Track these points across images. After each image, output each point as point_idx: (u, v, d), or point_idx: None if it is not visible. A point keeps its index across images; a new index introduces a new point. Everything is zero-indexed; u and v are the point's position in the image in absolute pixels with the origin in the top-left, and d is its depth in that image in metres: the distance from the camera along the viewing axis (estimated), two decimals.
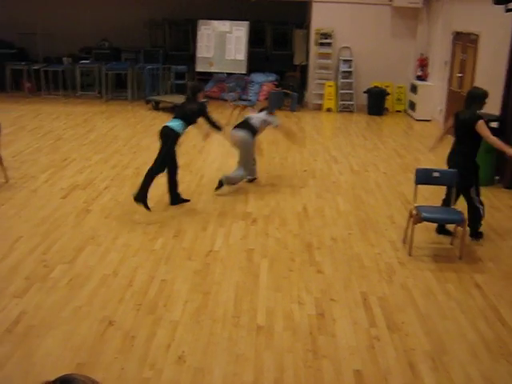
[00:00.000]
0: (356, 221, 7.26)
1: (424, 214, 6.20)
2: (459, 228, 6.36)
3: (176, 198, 7.62)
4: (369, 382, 4.14)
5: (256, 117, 8.46)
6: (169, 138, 7.23)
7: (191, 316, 4.93)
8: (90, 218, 7.07)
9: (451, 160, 6.80)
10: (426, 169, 6.75)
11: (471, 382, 4.20)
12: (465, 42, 11.95)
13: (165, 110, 14.34)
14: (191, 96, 7.57)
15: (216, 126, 7.66)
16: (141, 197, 7.16)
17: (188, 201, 7.72)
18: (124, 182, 8.49)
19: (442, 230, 6.90)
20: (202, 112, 7.54)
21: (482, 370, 4.34)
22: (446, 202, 6.83)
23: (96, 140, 11.03)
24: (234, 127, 8.31)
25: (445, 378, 4.23)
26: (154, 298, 5.19)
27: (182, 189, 8.18)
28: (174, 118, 7.41)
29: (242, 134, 8.14)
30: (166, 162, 7.35)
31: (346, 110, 15.23)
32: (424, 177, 6.54)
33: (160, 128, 7.36)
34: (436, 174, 6.52)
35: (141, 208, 7.36)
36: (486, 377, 4.26)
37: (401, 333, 4.80)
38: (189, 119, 7.40)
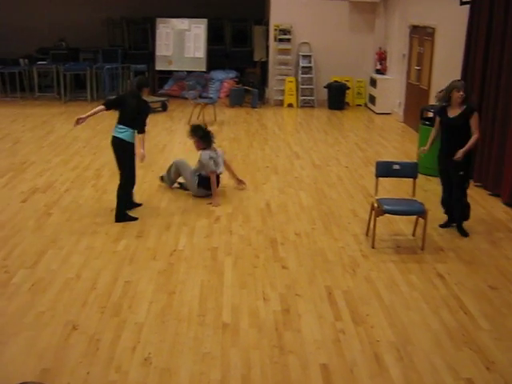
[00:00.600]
0: (319, 215, 7.30)
1: (385, 207, 6.26)
2: (420, 219, 6.44)
3: (130, 204, 7.33)
4: (335, 376, 4.17)
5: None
6: (122, 151, 6.91)
7: (156, 317, 4.89)
8: (51, 221, 6.97)
9: (451, 156, 6.55)
10: (387, 162, 6.82)
11: (435, 370, 4.26)
12: (422, 36, 12.10)
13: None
14: (136, 91, 7.08)
15: (143, 129, 7.07)
16: (121, 218, 6.92)
17: (140, 205, 7.47)
18: (85, 183, 8.39)
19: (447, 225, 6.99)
20: (146, 112, 7.17)
21: (445, 359, 4.40)
22: (445, 201, 6.95)
23: (55, 142, 10.88)
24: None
25: (410, 368, 4.28)
26: (118, 300, 5.14)
27: (144, 189, 8.14)
28: (120, 123, 6.92)
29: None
30: (131, 172, 7.09)
31: (306, 105, 15.29)
32: (384, 170, 6.60)
33: (111, 138, 7.00)
34: (396, 167, 6.58)
35: (102, 210, 7.30)
36: (449, 365, 4.32)
37: (366, 325, 4.85)
38: (135, 122, 6.93)
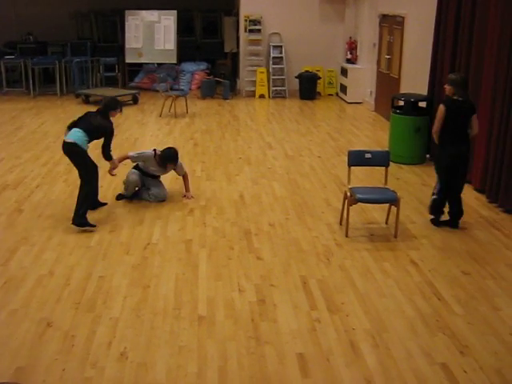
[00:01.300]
0: (292, 205, 7.31)
1: (358, 196, 6.29)
2: (393, 207, 6.48)
3: (94, 204, 7.14)
4: (311, 364, 4.19)
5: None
6: (78, 156, 6.59)
7: (131, 311, 4.87)
8: (23, 217, 6.89)
9: (460, 151, 6.42)
10: (358, 151, 6.85)
11: (411, 356, 4.30)
12: (391, 25, 12.16)
13: (96, 103, 14.05)
14: (103, 111, 6.79)
15: (107, 155, 6.86)
16: (78, 221, 6.54)
17: (105, 204, 7.28)
18: (56, 179, 8.30)
19: (439, 222, 6.77)
20: (106, 132, 6.76)
21: (420, 345, 4.45)
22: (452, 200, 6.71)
23: (25, 137, 10.74)
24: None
25: (385, 355, 4.32)
26: (92, 296, 5.10)
27: (117, 183, 8.07)
28: (77, 128, 6.62)
29: None
30: (92, 174, 6.80)
31: (278, 95, 15.29)
32: (356, 159, 6.63)
33: (62, 143, 6.70)
34: (368, 156, 6.62)
35: (74, 205, 7.20)
36: (424, 351, 4.37)
37: (341, 313, 4.87)
38: (92, 134, 6.64)
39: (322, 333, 4.59)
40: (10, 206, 7.25)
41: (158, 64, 16.16)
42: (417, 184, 8.16)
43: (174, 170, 7.54)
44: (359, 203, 6.41)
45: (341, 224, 6.67)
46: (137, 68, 16.52)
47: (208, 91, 15.11)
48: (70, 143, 6.54)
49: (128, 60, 16.04)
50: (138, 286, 5.29)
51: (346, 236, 6.40)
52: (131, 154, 7.54)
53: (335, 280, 5.44)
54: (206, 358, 4.26)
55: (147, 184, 7.50)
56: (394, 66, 11.94)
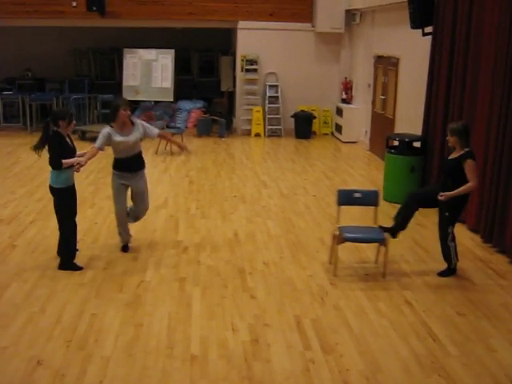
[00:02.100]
0: (287, 244, 7.29)
1: (346, 235, 6.29)
2: (382, 247, 6.46)
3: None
4: None
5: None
6: (54, 197, 6.37)
7: (123, 350, 4.81)
8: (16, 253, 6.85)
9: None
10: (348, 190, 6.90)
11: None
12: (386, 65, 12.31)
13: (92, 139, 14.10)
14: (50, 124, 6.39)
15: (57, 165, 6.30)
16: (65, 265, 6.40)
17: (76, 250, 6.68)
18: (50, 215, 8.22)
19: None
20: (49, 141, 6.36)
21: None
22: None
23: (21, 173, 10.75)
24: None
25: None
26: (84, 334, 5.05)
27: (112, 219, 8.04)
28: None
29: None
30: (69, 217, 6.43)
31: (274, 134, 15.39)
32: (346, 198, 6.66)
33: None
34: (357, 195, 6.64)
35: None
36: None
37: (335, 354, 4.83)
38: (50, 158, 6.27)
39: (315, 373, 4.54)
40: (3, 241, 7.22)
41: (154, 102, 16.27)
42: (412, 223, 8.11)
43: (145, 132, 6.88)
44: (347, 242, 6.40)
45: (330, 263, 6.64)
46: (134, 105, 16.62)
47: (204, 129, 15.20)
48: (49, 185, 6.43)
49: (125, 97, 16.13)
50: (131, 324, 5.24)
51: (334, 275, 6.36)
52: (95, 144, 6.73)
53: (329, 320, 5.40)
54: None
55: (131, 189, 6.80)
56: (389, 106, 12.06)
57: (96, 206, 8.69)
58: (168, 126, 14.16)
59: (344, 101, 14.88)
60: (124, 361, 4.65)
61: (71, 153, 6.44)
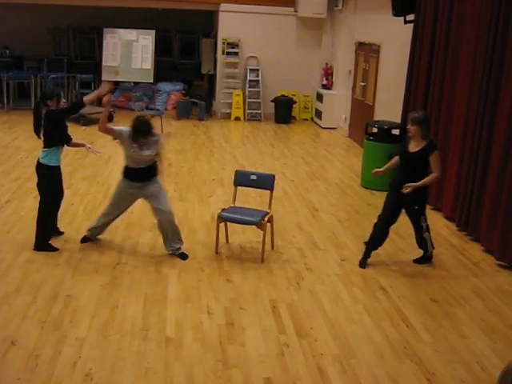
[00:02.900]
0: None
1: (222, 214, 6.40)
2: (260, 230, 6.40)
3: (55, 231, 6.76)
4: None
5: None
6: (42, 175, 6.41)
7: (98, 331, 4.80)
8: None
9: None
10: (245, 172, 7.02)
11: (378, 383, 4.32)
12: (367, 52, 12.32)
13: (70, 119, 13.94)
14: (40, 105, 6.38)
15: (66, 140, 6.56)
16: (40, 246, 6.37)
17: (62, 233, 6.81)
18: (26, 195, 8.20)
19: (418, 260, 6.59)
20: (45, 121, 6.31)
21: (388, 371, 4.46)
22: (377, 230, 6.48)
23: None
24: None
25: (353, 381, 4.31)
26: (58, 315, 5.03)
27: (88, 200, 8.02)
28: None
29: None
30: (52, 197, 6.50)
31: (253, 118, 15.35)
32: (242, 179, 6.80)
33: None
34: (253, 177, 6.75)
35: None
36: (392, 377, 4.38)
37: (310, 338, 4.87)
38: (45, 137, 6.32)
39: (290, 357, 4.57)
40: None
41: (134, 83, 16.12)
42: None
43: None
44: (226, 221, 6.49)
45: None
46: (113, 86, 16.45)
47: (183, 112, 15.12)
48: (37, 161, 6.46)
49: (104, 78, 15.92)
50: (106, 305, 5.23)
51: (216, 253, 6.44)
52: (115, 127, 6.49)
53: (305, 304, 5.43)
54: (173, 381, 4.21)
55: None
56: (369, 93, 12.09)
57: (73, 187, 8.62)
58: (147, 108, 14.06)
59: (324, 86, 14.88)
60: (99, 342, 4.65)
61: (64, 132, 6.52)
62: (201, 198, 8.47)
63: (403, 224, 7.60)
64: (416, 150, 6.16)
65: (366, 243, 6.44)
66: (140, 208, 7.74)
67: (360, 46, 12.88)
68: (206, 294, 5.53)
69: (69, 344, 4.60)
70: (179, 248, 6.38)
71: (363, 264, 6.35)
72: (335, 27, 14.78)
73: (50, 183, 6.43)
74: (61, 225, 7.06)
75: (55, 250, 6.38)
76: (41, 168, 6.39)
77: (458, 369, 4.53)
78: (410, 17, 9.34)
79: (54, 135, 6.34)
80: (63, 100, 6.46)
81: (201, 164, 10.41)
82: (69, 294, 5.40)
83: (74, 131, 12.20)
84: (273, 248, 6.70)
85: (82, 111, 13.68)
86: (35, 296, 5.34)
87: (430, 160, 6.09)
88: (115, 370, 4.30)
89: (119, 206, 6.46)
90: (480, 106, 7.14)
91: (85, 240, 6.63)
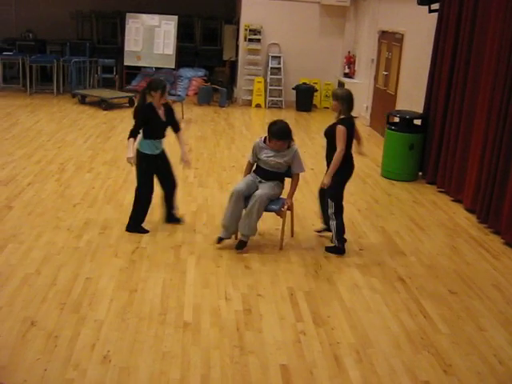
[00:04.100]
0: None
1: None
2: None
3: (169, 217, 6.87)
4: (294, 376, 4.18)
5: None
6: (137, 161, 6.43)
7: (116, 314, 4.84)
8: (12, 215, 6.85)
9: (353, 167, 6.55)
10: None
11: (394, 373, 4.30)
12: (390, 41, 12.22)
13: (92, 104, 14.06)
14: (143, 92, 6.54)
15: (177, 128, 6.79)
16: (131, 227, 6.53)
17: (179, 220, 6.88)
18: (48, 177, 8.27)
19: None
20: (138, 110, 6.46)
21: (404, 361, 4.45)
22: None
23: (19, 134, 10.71)
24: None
25: (369, 370, 4.31)
26: (78, 297, 5.08)
27: (108, 185, 8.07)
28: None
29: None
30: (144, 184, 6.51)
31: (274, 106, 15.32)
32: None
33: None
34: None
35: (65, 204, 7.22)
36: (408, 368, 4.37)
37: (326, 327, 4.87)
38: (139, 126, 6.37)
39: (306, 345, 4.58)
40: (0, 202, 7.22)
41: (156, 68, 16.16)
42: (408, 201, 8.18)
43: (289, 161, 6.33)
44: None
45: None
46: (135, 71, 16.51)
47: (205, 98, 15.13)
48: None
49: (126, 63, 16.03)
50: (125, 289, 5.27)
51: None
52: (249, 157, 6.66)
53: (322, 293, 5.43)
54: (190, 365, 4.24)
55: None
56: (391, 82, 11.99)
57: (94, 171, 8.68)
58: (169, 94, 14.06)
59: (346, 75, 14.80)
60: (117, 325, 4.69)
61: (160, 126, 6.49)
62: (221, 184, 8.48)
63: (423, 215, 7.59)
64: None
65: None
66: (160, 193, 7.78)
67: (383, 34, 12.77)
68: (224, 280, 5.55)
69: (88, 326, 4.65)
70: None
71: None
72: (358, 15, 14.66)
73: (141, 169, 6.44)
74: (81, 208, 7.14)
75: (146, 231, 6.51)
76: (137, 154, 6.42)
77: (475, 361, 4.51)
78: (435, 6, 9.24)
79: (134, 128, 6.38)
80: (165, 95, 6.47)
81: (221, 150, 10.42)
82: (88, 277, 5.45)
83: (96, 115, 12.31)
84: (292, 236, 6.70)
85: (103, 96, 13.82)
86: (55, 278, 5.39)
87: (336, 134, 6.13)
88: (133, 352, 4.34)
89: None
90: (504, 96, 7.05)
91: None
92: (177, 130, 6.76)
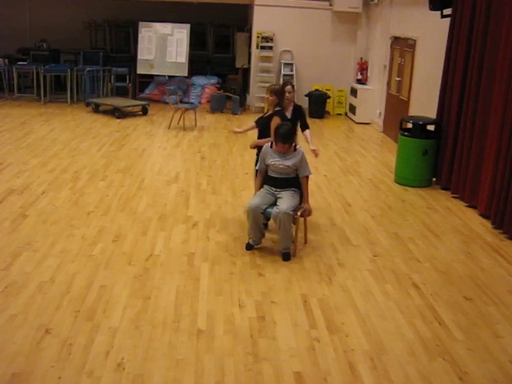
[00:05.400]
0: None
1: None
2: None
3: None
4: None
5: None
6: None
7: (131, 322, 4.85)
8: (27, 223, 6.89)
9: None
10: None
11: (409, 380, 4.27)
12: (403, 47, 12.19)
13: (105, 112, 14.14)
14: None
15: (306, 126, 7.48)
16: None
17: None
18: (62, 186, 8.32)
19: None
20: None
21: (419, 369, 4.41)
22: None
23: (34, 143, 10.78)
24: None
25: (383, 378, 4.28)
26: (92, 305, 5.09)
27: (122, 192, 8.10)
28: None
29: None
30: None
31: None
32: None
33: None
34: None
35: (79, 213, 7.25)
36: (423, 375, 4.33)
37: (340, 334, 4.85)
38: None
39: (320, 352, 4.56)
40: (15, 211, 7.27)
41: (169, 76, 16.24)
42: (422, 207, 8.14)
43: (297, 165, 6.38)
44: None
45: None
46: (148, 79, 16.60)
47: (217, 105, 15.17)
48: None
49: (139, 71, 16.11)
50: (139, 296, 5.28)
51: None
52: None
53: (336, 300, 5.41)
54: (203, 373, 4.23)
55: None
56: (404, 88, 11.96)
57: (107, 179, 8.72)
58: (181, 101, 14.13)
59: (359, 81, 14.78)
60: (131, 332, 4.70)
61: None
62: (234, 191, 8.49)
63: (438, 221, 7.55)
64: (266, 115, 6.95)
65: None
66: (173, 200, 7.81)
67: (395, 40, 12.75)
68: (238, 287, 5.55)
69: (102, 333, 4.66)
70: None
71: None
72: (371, 21, 14.66)
73: None
74: (95, 216, 7.17)
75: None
76: None
77: (492, 368, 4.47)
78: (447, 11, 9.20)
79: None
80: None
81: (234, 158, 10.43)
82: (102, 285, 5.46)
83: (109, 123, 12.41)
84: (305, 243, 6.68)
85: (117, 104, 13.89)
86: (69, 286, 5.41)
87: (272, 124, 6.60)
88: (147, 360, 4.35)
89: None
90: None
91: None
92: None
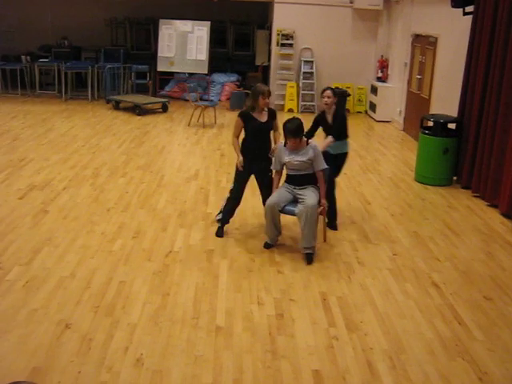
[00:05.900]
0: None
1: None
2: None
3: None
4: (327, 382, 4.16)
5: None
6: None
7: (150, 318, 4.88)
8: (48, 218, 6.96)
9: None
10: None
11: (428, 380, 4.25)
12: (424, 45, 12.11)
13: (125, 109, 14.21)
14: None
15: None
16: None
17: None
18: (83, 182, 8.38)
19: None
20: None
21: (438, 368, 4.39)
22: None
23: (55, 140, 10.87)
24: None
25: (402, 377, 4.26)
26: (112, 300, 5.13)
27: (142, 189, 8.14)
28: None
29: None
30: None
31: (307, 110, 15.30)
32: None
33: None
34: None
35: (99, 209, 7.30)
36: (442, 374, 4.31)
37: (359, 332, 4.83)
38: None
39: (339, 350, 4.55)
40: (36, 206, 7.34)
41: (189, 74, 16.28)
42: (442, 206, 8.08)
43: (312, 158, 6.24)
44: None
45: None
46: (168, 77, 16.66)
47: (237, 103, 15.17)
48: None
49: (160, 68, 16.17)
50: (158, 293, 5.31)
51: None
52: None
53: (355, 298, 5.40)
54: (222, 369, 4.25)
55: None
56: (425, 86, 11.88)
57: (127, 176, 8.77)
58: (201, 99, 14.16)
59: (379, 79, 14.71)
60: (150, 329, 4.72)
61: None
62: (253, 189, 8.45)
63: (458, 220, 7.49)
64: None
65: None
66: (193, 197, 7.83)
67: (417, 38, 12.66)
68: (257, 285, 5.55)
69: (121, 329, 4.69)
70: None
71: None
72: (391, 19, 14.57)
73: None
74: (115, 212, 7.21)
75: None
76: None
77: (511, 368, 4.43)
78: (469, 8, 9.13)
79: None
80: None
81: None
82: (122, 281, 5.50)
83: (129, 120, 12.48)
84: (325, 240, 6.67)
85: (137, 101, 13.96)
86: (89, 281, 5.46)
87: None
88: (166, 356, 4.37)
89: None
90: None
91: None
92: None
